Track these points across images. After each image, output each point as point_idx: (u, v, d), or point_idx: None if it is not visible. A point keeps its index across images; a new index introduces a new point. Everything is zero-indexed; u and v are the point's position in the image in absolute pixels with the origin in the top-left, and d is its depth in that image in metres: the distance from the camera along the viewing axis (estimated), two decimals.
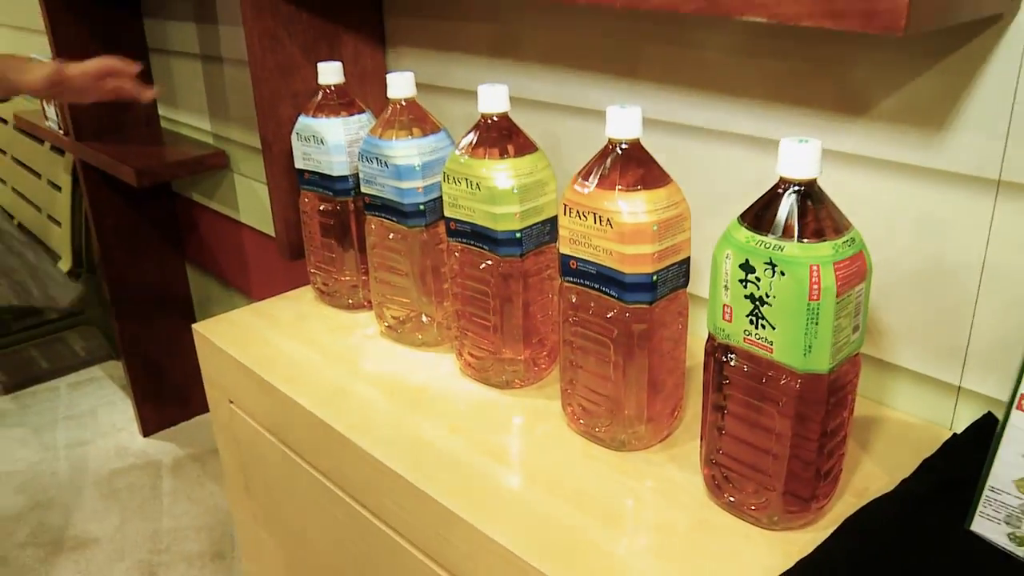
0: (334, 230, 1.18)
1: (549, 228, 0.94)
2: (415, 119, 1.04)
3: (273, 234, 1.87)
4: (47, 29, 2.05)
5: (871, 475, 0.82)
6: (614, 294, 0.80)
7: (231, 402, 1.17)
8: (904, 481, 0.80)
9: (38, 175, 2.83)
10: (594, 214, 0.78)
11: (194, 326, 1.22)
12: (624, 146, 0.79)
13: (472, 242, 0.94)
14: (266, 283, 2.02)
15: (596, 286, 0.81)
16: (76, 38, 2.06)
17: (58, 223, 2.73)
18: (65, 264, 2.68)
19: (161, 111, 2.21)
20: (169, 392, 2.50)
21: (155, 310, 2.40)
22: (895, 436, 0.88)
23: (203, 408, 2.55)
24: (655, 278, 0.78)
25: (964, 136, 0.81)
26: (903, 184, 0.86)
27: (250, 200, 1.95)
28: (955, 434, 0.86)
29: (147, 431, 2.51)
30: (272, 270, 1.98)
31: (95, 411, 2.66)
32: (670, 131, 1.04)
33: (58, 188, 2.69)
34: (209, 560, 2.01)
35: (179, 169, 1.98)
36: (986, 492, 0.71)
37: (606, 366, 0.84)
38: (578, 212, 0.80)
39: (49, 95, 1.16)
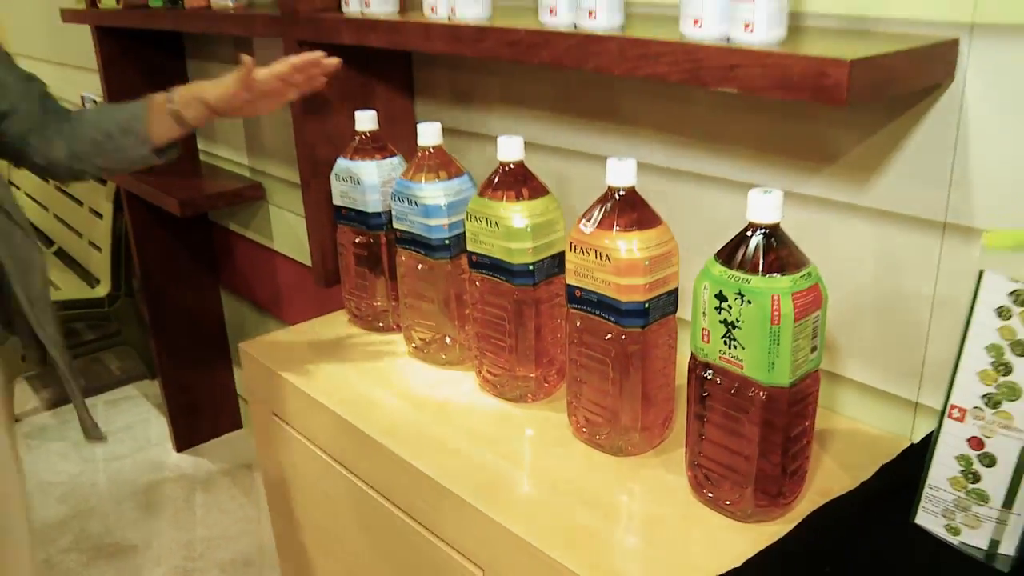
0: (367, 260, 1.32)
1: (558, 261, 1.07)
2: (441, 164, 1.18)
3: (304, 262, 2.02)
4: (99, 68, 2.22)
5: (836, 478, 0.95)
6: (612, 319, 0.93)
7: (274, 414, 1.31)
8: (864, 483, 0.92)
9: (80, 203, 3.00)
10: (595, 251, 0.92)
11: (241, 345, 1.36)
12: (621, 192, 0.93)
13: (491, 273, 1.08)
14: (297, 308, 2.16)
15: (597, 312, 0.95)
16: (125, 76, 2.23)
17: (98, 249, 2.88)
18: (104, 288, 2.83)
19: (200, 145, 2.37)
20: (202, 410, 2.65)
21: (191, 333, 2.55)
22: (860, 445, 1.01)
23: (233, 426, 2.70)
24: (647, 305, 0.92)
25: (914, 184, 0.94)
26: (864, 225, 0.99)
27: (284, 230, 2.09)
28: (912, 443, 0.98)
29: (180, 447, 2.65)
30: (303, 296, 2.12)
31: (131, 427, 2.80)
32: (666, 175, 1.17)
33: (99, 215, 2.85)
34: (241, 567, 2.14)
35: (219, 200, 2.13)
36: (926, 490, 0.83)
37: (606, 382, 0.97)
38: (581, 248, 0.94)
39: (238, 105, 1.16)
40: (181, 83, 1.21)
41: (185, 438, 2.66)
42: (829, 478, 0.95)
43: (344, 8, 1.34)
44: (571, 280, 0.97)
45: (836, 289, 1.03)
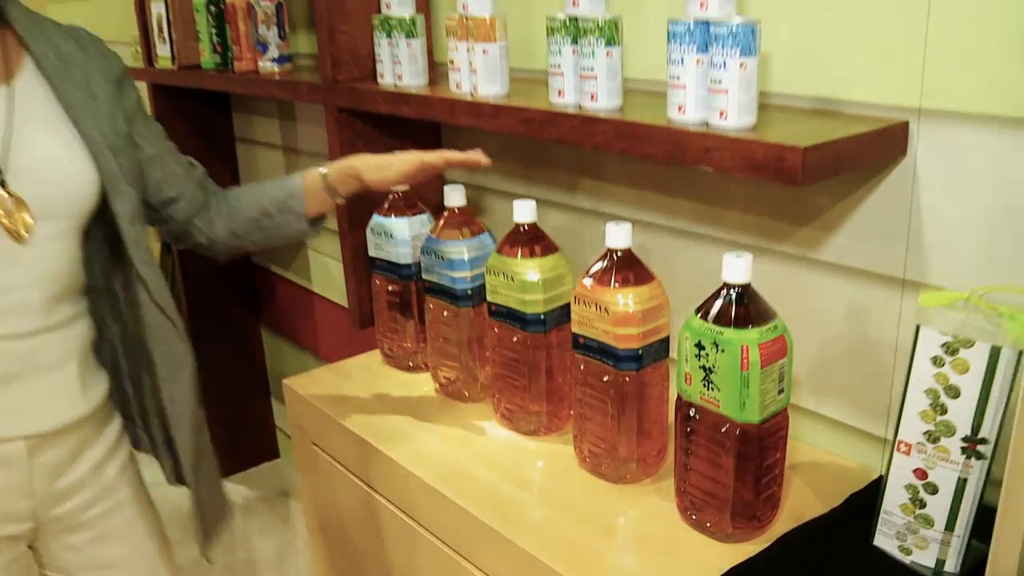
0: (399, 306, 1.47)
1: (566, 311, 1.21)
2: (465, 222, 1.33)
3: (341, 303, 2.17)
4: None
5: (810, 504, 1.07)
6: (611, 363, 1.07)
7: (314, 444, 1.45)
8: (833, 509, 1.05)
9: None
10: (595, 304, 1.06)
11: (285, 381, 1.51)
12: (619, 254, 1.07)
13: (507, 321, 1.22)
14: (333, 345, 2.31)
15: (598, 357, 1.08)
16: (175, 128, 2.41)
17: None
18: None
19: None
20: (241, 440, 2.80)
21: (232, 366, 2.71)
22: (834, 475, 1.13)
23: (271, 455, 2.86)
24: (640, 352, 1.05)
25: (876, 245, 1.07)
26: (835, 279, 1.12)
27: (322, 273, 2.25)
28: (881, 475, 1.10)
29: (221, 474, 2.80)
30: (339, 334, 2.27)
31: None
32: (662, 231, 1.31)
33: None
34: None
35: None
36: (881, 515, 0.96)
37: (606, 418, 1.10)
38: (584, 301, 1.08)
39: (394, 184, 1.22)
40: (226, 135, 1.30)
41: (225, 466, 2.81)
42: (803, 504, 1.07)
43: (379, 80, 1.50)
44: (575, 329, 1.10)
45: (812, 335, 1.16)
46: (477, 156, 1.19)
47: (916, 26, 0.97)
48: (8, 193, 1.01)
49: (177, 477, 1.29)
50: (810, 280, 1.15)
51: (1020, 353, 0.83)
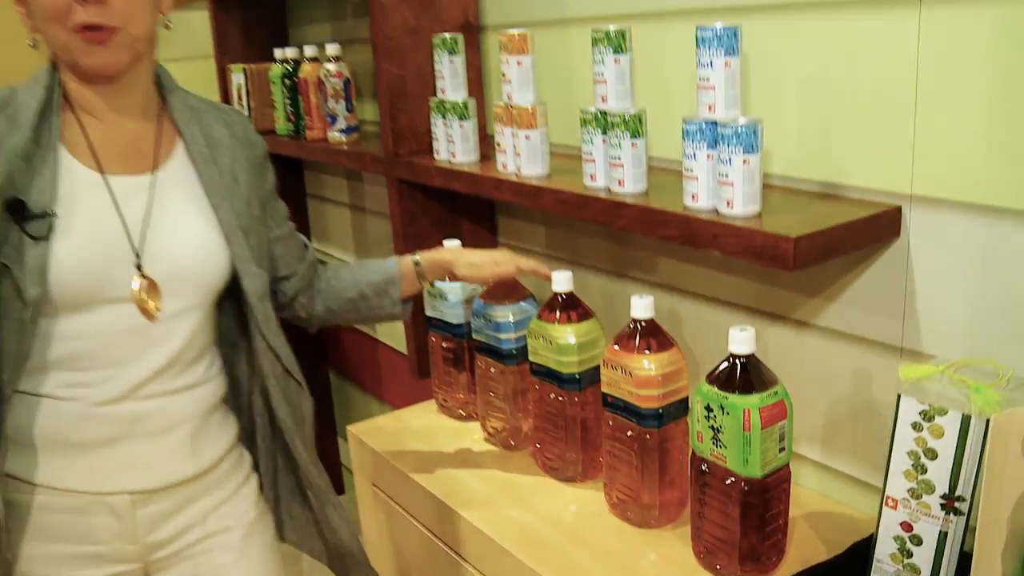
0: (452, 362, 1.62)
1: (599, 372, 1.34)
2: (511, 289, 1.47)
3: (402, 350, 2.33)
4: None
5: (815, 550, 1.18)
6: (635, 421, 1.20)
7: (374, 485, 1.60)
8: (836, 556, 1.16)
9: None
10: (621, 367, 1.19)
11: (349, 428, 1.67)
12: (642, 323, 1.20)
13: (547, 379, 1.36)
14: (394, 390, 2.47)
15: (624, 415, 1.22)
16: None
17: None
18: None
19: (315, 244, 2.74)
20: None
21: None
22: (841, 525, 1.24)
23: (338, 490, 3.01)
24: (661, 411, 1.18)
25: (877, 316, 1.18)
26: (841, 345, 1.24)
27: (386, 323, 2.42)
28: None
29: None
30: (399, 380, 2.43)
31: None
32: (687, 297, 1.44)
33: None
34: None
35: None
36: (874, 563, 1.07)
37: (632, 469, 1.23)
38: (611, 365, 1.21)
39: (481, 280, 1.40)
40: (298, 192, 1.41)
41: None
42: (809, 550, 1.18)
43: (436, 156, 1.66)
44: (604, 388, 1.24)
45: (823, 394, 1.28)
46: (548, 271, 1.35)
47: (905, 120, 1.09)
48: (143, 276, 1.12)
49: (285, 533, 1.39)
50: (820, 345, 1.27)
51: (987, 421, 0.94)
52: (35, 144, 1.07)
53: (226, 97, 2.52)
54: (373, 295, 1.36)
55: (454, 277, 1.38)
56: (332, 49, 2.07)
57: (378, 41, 1.70)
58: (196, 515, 1.23)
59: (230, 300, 1.26)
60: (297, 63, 2.21)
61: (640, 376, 1.18)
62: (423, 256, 1.37)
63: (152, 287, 1.12)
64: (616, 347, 1.22)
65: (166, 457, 1.18)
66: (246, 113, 2.39)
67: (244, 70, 2.39)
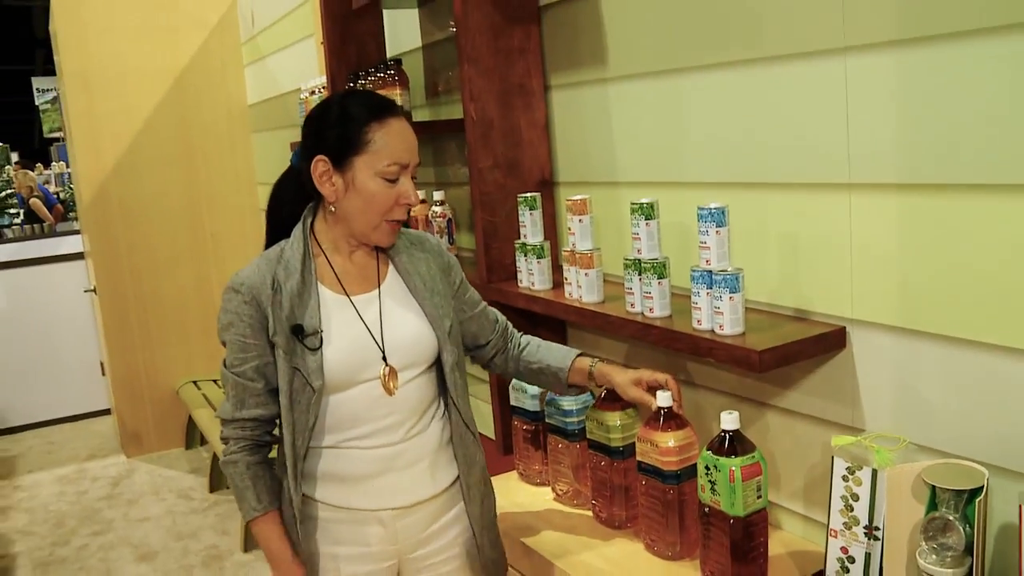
0: (530, 440, 2.12)
1: (635, 447, 1.82)
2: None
3: (488, 434, 2.83)
4: None
5: (792, 574, 1.63)
6: (659, 480, 1.68)
7: None
8: None
9: None
10: (649, 442, 1.68)
11: None
12: (664, 410, 1.69)
13: (599, 452, 1.85)
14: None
15: (652, 476, 1.70)
16: None
17: None
18: None
19: None
20: None
21: None
22: (812, 557, 1.67)
23: None
24: (679, 473, 1.66)
25: (835, 404, 1.65)
26: (808, 425, 1.70)
27: (476, 411, 2.92)
28: None
29: None
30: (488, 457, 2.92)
31: None
32: (700, 391, 1.92)
33: None
34: None
35: None
36: None
37: (659, 517, 1.70)
38: (641, 439, 1.70)
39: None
40: None
41: None
42: (787, 572, 1.63)
43: (519, 283, 2.20)
44: (639, 457, 1.73)
45: (801, 460, 1.74)
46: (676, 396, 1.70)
47: (846, 269, 1.58)
48: (387, 364, 1.59)
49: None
50: (797, 424, 1.73)
51: (884, 472, 1.40)
52: (303, 283, 1.57)
53: None
54: (550, 374, 1.78)
55: (612, 389, 1.77)
56: (438, 195, 2.65)
57: (476, 195, 2.26)
58: (436, 530, 1.68)
59: (438, 370, 1.69)
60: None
61: (661, 448, 1.67)
62: (599, 364, 1.75)
63: (392, 371, 1.60)
64: (646, 427, 1.71)
65: (415, 482, 1.64)
66: None
67: None
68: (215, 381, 4.98)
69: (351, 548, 1.63)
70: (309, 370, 1.54)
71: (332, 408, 1.59)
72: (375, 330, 1.60)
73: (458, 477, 1.70)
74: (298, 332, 1.54)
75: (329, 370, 1.55)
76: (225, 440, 1.62)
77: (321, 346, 1.55)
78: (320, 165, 1.54)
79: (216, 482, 4.39)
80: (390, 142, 1.53)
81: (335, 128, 1.54)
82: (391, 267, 1.67)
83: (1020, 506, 1.24)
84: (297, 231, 1.62)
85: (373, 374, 1.58)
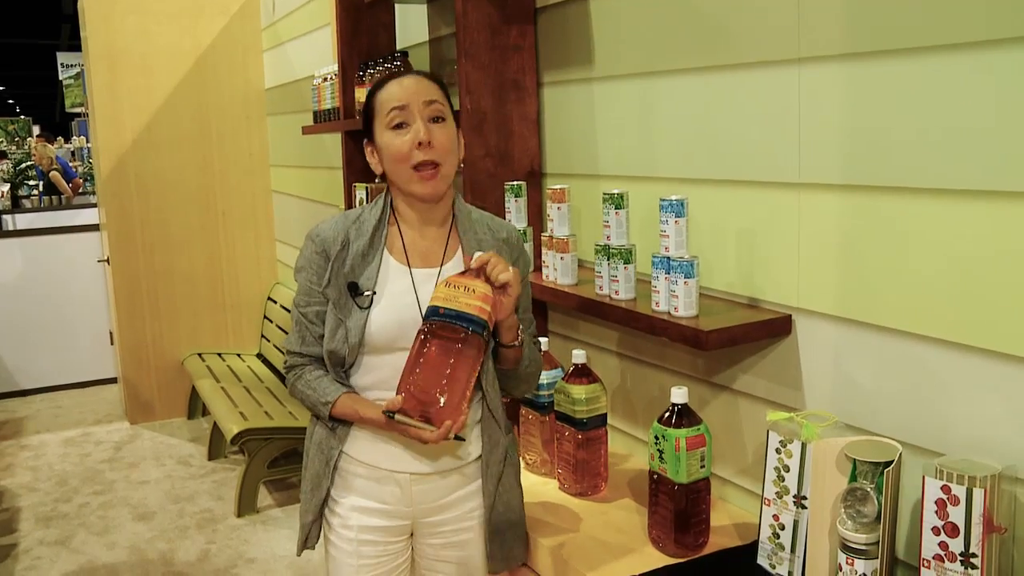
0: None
1: (601, 418, 1.96)
2: (547, 361, 2.12)
3: None
4: (343, 163, 3.35)
5: (731, 540, 1.76)
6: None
7: None
8: (743, 544, 1.74)
9: None
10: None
11: None
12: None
13: (565, 423, 1.99)
14: None
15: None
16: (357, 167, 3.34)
17: None
18: None
19: None
20: None
21: None
22: (750, 526, 1.81)
23: None
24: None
25: (783, 387, 1.78)
26: (756, 406, 1.84)
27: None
28: None
29: None
30: None
31: None
32: (651, 368, 2.06)
33: None
34: None
35: None
36: (760, 543, 1.65)
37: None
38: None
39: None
40: None
41: None
42: (727, 540, 1.77)
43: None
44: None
45: (746, 440, 1.87)
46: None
47: (792, 261, 1.72)
48: None
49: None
50: (745, 404, 1.87)
51: (811, 444, 1.53)
52: (370, 246, 1.68)
53: (349, 206, 3.27)
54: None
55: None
56: None
57: (467, 182, 2.41)
58: (450, 501, 1.74)
59: None
60: None
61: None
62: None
63: None
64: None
65: (436, 452, 1.69)
66: None
67: (366, 188, 3.13)
68: (219, 354, 5.16)
69: (369, 502, 1.73)
70: (351, 325, 1.66)
71: (370, 367, 1.69)
72: (425, 303, 1.63)
73: (480, 456, 1.75)
74: (353, 289, 1.67)
75: (370, 331, 1.65)
76: (289, 368, 1.77)
77: (370, 307, 1.66)
78: (366, 148, 1.73)
79: (215, 451, 4.55)
80: (386, 96, 1.67)
81: (364, 114, 1.73)
82: (459, 248, 1.74)
83: (923, 477, 1.37)
84: (379, 198, 1.76)
85: (409, 343, 1.62)
